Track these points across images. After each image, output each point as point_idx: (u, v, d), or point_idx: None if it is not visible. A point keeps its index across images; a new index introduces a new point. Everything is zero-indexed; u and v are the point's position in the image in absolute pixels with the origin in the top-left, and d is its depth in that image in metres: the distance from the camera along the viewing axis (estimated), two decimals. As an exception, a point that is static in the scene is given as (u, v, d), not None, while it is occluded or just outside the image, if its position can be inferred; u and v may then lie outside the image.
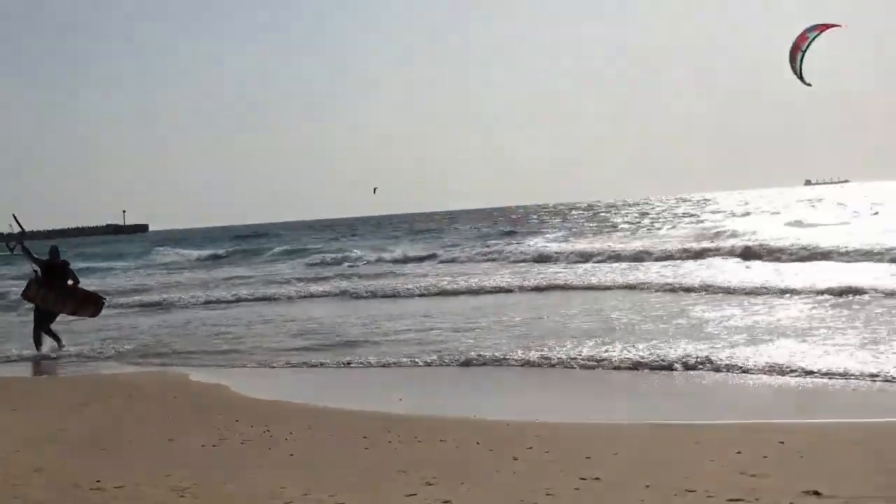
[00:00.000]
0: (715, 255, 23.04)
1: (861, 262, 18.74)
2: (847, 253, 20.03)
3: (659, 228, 41.84)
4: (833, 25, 12.68)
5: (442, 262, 30.09)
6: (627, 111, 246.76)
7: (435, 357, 10.80)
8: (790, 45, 12.84)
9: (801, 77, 12.80)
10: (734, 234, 29.92)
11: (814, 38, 12.63)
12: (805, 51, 12.71)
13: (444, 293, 19.58)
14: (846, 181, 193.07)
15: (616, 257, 24.89)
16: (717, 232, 32.12)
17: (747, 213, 50.00)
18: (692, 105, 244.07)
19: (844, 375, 8.27)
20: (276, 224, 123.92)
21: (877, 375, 8.16)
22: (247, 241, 59.00)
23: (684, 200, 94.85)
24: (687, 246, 26.07)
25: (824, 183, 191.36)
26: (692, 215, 53.59)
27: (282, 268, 33.82)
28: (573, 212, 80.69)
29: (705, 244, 26.38)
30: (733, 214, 49.77)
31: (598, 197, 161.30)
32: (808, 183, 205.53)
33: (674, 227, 41.87)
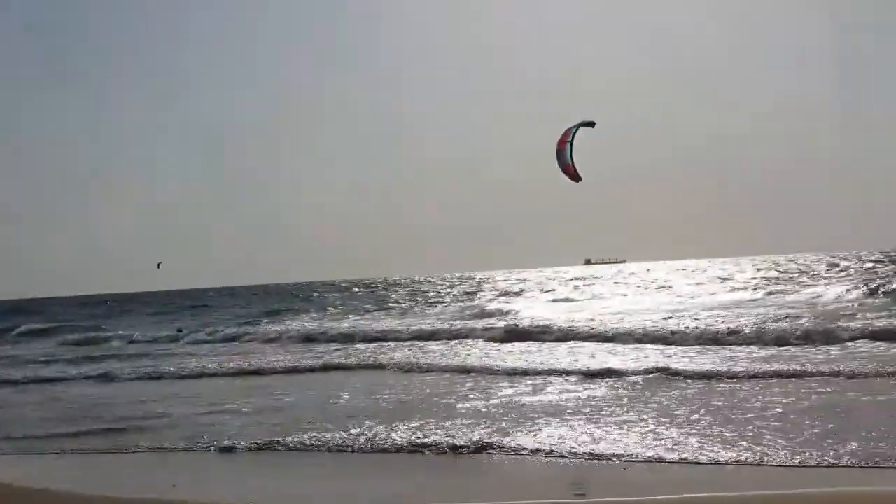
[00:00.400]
0: (479, 336, 23.13)
1: (618, 344, 19.16)
2: (604, 333, 20.59)
3: (434, 306, 42.47)
4: (586, 124, 12.67)
5: (195, 343, 29.03)
6: (412, 190, 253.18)
7: (207, 441, 10.47)
8: (556, 145, 12.83)
9: (574, 173, 12.72)
10: (500, 313, 31.08)
11: (575, 132, 12.58)
12: (572, 144, 12.64)
13: (205, 374, 18.84)
14: (623, 261, 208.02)
15: (379, 337, 24.64)
16: (485, 311, 33.18)
17: (521, 291, 50.91)
18: (476, 183, 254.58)
19: (612, 457, 8.29)
20: (39, 300, 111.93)
21: (648, 458, 8.19)
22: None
23: (468, 279, 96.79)
24: (452, 325, 26.72)
25: (602, 262, 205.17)
26: (469, 293, 54.04)
27: (33, 347, 31.78)
28: (356, 289, 79.79)
29: (471, 323, 27.06)
30: (508, 293, 50.39)
31: (385, 273, 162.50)
32: (587, 262, 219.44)
33: (447, 305, 42.70)
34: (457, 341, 22.43)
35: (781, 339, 17.02)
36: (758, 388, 11.88)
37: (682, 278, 54.03)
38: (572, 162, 12.35)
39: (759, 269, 57.69)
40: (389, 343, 23.22)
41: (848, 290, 30.52)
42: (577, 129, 12.44)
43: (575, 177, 12.44)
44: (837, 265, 55.68)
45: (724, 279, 47.86)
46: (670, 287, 44.64)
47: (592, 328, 21.80)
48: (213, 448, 10.13)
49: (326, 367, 18.45)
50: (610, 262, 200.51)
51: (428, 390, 13.84)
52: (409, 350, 21.04)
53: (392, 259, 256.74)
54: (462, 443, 9.20)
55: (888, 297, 27.21)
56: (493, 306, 36.69)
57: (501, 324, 25.35)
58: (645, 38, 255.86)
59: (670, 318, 24.56)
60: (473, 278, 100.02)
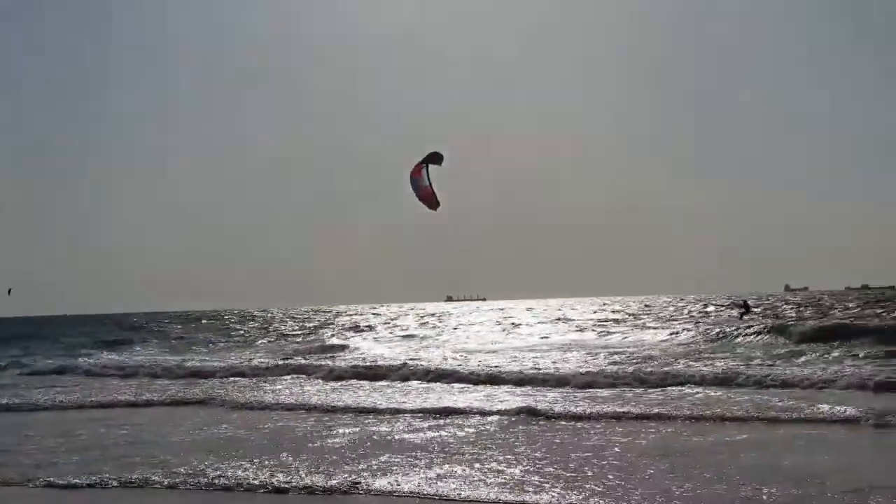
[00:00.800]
0: (315, 372, 22.36)
1: (461, 383, 18.90)
2: (445, 371, 20.38)
3: (272, 341, 42.01)
4: (433, 159, 12.24)
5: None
6: (278, 226, 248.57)
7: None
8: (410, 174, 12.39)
9: (431, 195, 12.23)
10: (340, 349, 31.27)
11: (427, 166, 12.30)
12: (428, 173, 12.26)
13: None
14: (483, 298, 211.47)
15: (214, 372, 23.55)
16: (326, 346, 33.55)
17: (369, 327, 50.70)
18: (340, 219, 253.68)
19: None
20: None
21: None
22: None
23: (325, 312, 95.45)
24: (291, 360, 26.54)
25: (463, 300, 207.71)
26: (318, 327, 53.40)
27: None
28: (203, 321, 76.94)
29: (310, 358, 26.97)
30: (358, 328, 50.10)
31: (245, 305, 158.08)
32: (449, 298, 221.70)
33: (290, 339, 42.48)
34: (293, 377, 21.67)
35: (619, 381, 17.34)
36: (598, 429, 12.05)
37: (530, 317, 55.29)
38: (430, 183, 11.92)
39: (609, 311, 59.76)
40: (215, 378, 22.20)
41: (679, 334, 32.14)
42: (427, 164, 12.11)
43: (433, 202, 11.96)
44: (681, 308, 58.63)
45: (571, 320, 49.33)
46: (517, 326, 45.63)
47: (432, 367, 21.53)
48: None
49: (163, 403, 17.48)
50: (470, 300, 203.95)
51: (270, 426, 13.27)
52: (245, 386, 20.19)
53: (253, 291, 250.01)
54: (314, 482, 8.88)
55: (718, 341, 28.70)
56: (335, 342, 36.41)
57: (342, 362, 24.85)
58: (506, 85, 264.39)
59: (517, 357, 25.00)
60: (329, 311, 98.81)
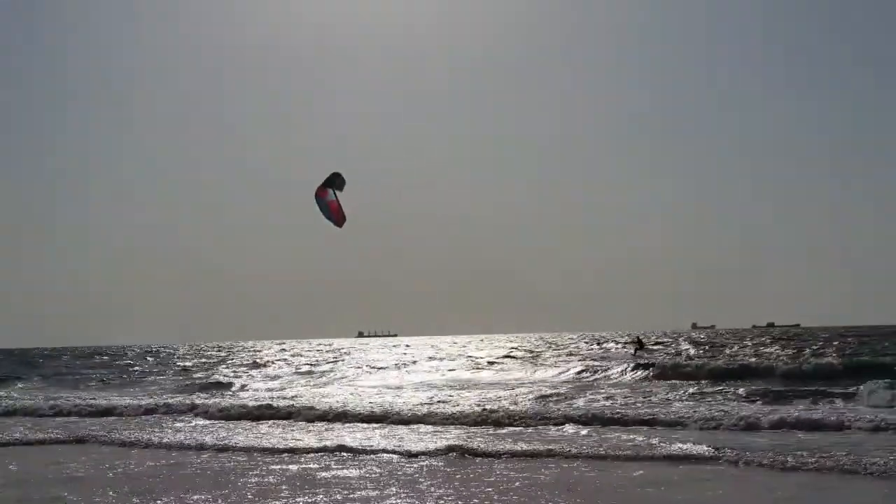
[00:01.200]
0: (200, 410, 21.63)
1: (351, 423, 18.47)
2: (335, 410, 19.90)
3: (160, 375, 41.03)
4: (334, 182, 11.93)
5: None
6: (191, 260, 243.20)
7: None
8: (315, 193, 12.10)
9: (338, 209, 11.96)
10: (228, 387, 30.49)
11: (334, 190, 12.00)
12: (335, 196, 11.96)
13: None
14: (395, 334, 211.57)
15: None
16: (213, 383, 32.54)
17: (267, 363, 49.61)
18: (251, 255, 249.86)
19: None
20: None
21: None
22: None
23: (228, 348, 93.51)
24: (172, 398, 25.35)
25: (375, 335, 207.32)
26: (213, 364, 51.61)
27: None
28: (97, 356, 74.01)
29: (193, 397, 25.81)
30: (256, 364, 48.99)
31: (153, 341, 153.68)
32: (360, 334, 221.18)
33: (183, 375, 40.73)
34: (175, 417, 20.79)
35: (512, 419, 17.17)
36: (496, 467, 11.80)
37: (427, 351, 55.01)
38: (336, 197, 11.66)
39: (507, 348, 59.86)
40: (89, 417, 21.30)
41: (567, 372, 32.39)
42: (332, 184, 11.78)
43: (340, 217, 11.72)
44: (580, 346, 58.98)
45: (471, 356, 49.30)
46: (414, 362, 45.34)
47: (320, 406, 20.91)
48: None
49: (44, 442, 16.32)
50: (382, 336, 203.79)
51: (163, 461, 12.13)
52: (111, 425, 19.01)
53: (163, 327, 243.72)
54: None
55: (594, 378, 28.98)
56: (222, 379, 35.47)
57: (228, 401, 24.10)
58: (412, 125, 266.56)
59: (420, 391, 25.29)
60: (230, 347, 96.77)
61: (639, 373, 29.69)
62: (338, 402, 22.61)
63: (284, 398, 24.50)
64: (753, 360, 34.39)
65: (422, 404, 21.06)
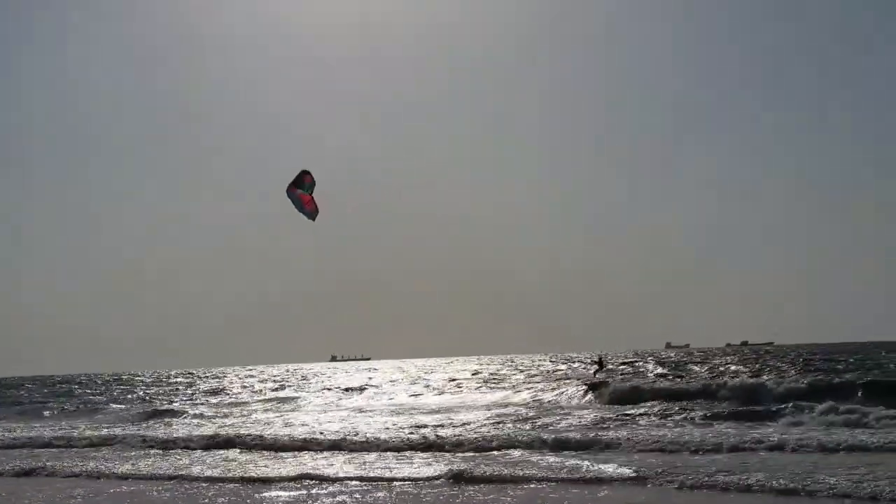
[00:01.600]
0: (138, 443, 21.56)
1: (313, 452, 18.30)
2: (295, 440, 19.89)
3: (120, 403, 40.82)
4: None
5: None
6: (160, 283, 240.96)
7: None
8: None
9: (311, 200, 12.20)
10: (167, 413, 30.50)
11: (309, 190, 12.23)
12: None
13: None
14: (368, 358, 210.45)
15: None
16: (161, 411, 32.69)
17: (221, 389, 49.45)
18: (227, 277, 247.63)
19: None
20: None
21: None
22: None
23: (202, 375, 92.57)
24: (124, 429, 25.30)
25: (348, 360, 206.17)
26: (174, 391, 51.05)
27: None
28: (64, 385, 72.98)
29: (133, 427, 25.87)
30: (215, 391, 48.70)
31: (124, 368, 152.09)
32: (333, 358, 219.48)
33: (144, 402, 40.57)
34: (108, 449, 20.54)
35: (482, 447, 17.24)
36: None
37: (398, 376, 54.76)
38: (310, 191, 11.88)
39: (469, 371, 59.79)
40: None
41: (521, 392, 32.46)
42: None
43: (313, 208, 11.95)
44: (542, 367, 59.00)
45: (426, 381, 49.01)
46: (376, 387, 45.23)
47: (281, 435, 20.77)
48: None
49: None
50: (355, 360, 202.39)
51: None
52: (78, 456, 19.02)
53: (132, 353, 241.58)
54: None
55: (549, 400, 29.04)
56: (176, 406, 35.26)
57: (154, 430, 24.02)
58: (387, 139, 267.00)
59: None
60: (194, 374, 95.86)
61: (588, 396, 29.89)
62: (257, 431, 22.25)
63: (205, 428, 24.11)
64: (704, 381, 34.29)
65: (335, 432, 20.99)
